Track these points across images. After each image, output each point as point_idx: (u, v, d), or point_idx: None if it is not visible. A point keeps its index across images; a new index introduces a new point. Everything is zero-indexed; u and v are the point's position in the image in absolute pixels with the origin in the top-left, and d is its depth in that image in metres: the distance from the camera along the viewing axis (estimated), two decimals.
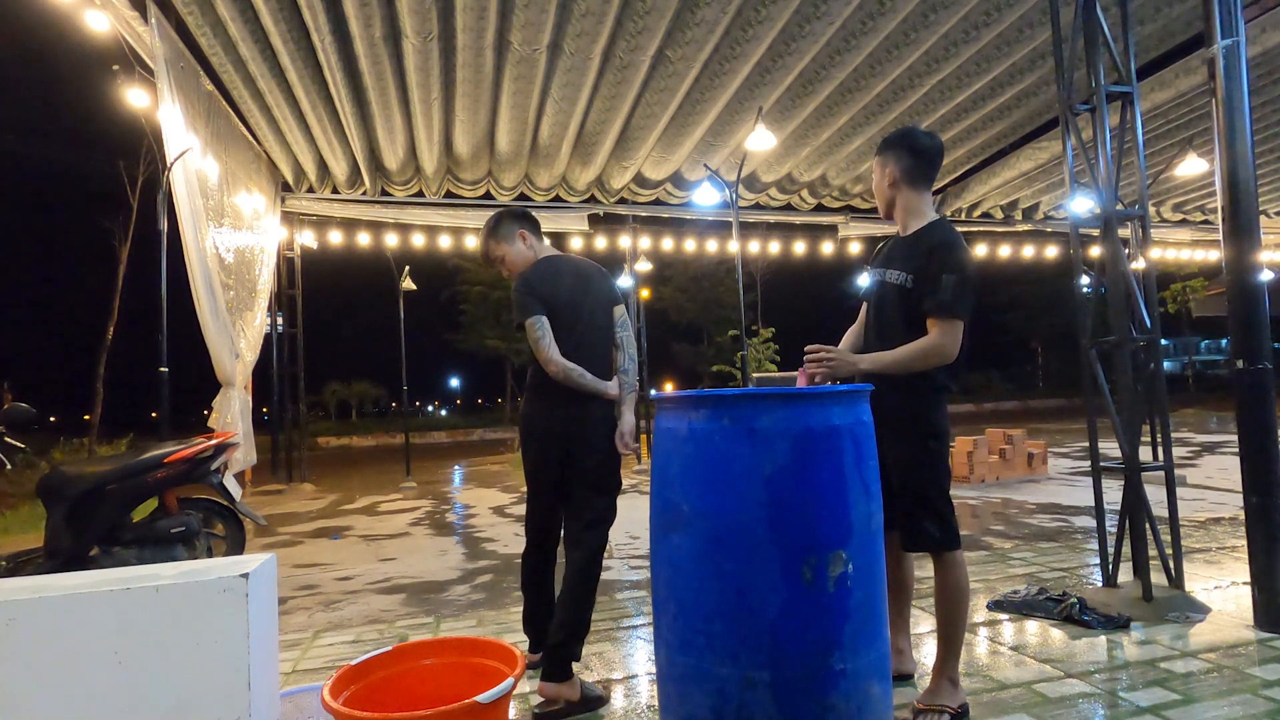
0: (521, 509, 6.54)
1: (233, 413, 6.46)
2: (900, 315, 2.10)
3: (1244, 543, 2.78)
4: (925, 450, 2.06)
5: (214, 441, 3.79)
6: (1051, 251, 13.14)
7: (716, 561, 1.54)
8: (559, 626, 2.21)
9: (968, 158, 8.98)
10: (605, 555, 2.36)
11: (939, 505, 2.05)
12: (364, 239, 10.26)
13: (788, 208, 10.22)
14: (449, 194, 9.12)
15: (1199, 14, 3.14)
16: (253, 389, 8.03)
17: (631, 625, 3.06)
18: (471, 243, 10.51)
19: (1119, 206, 3.20)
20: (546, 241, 2.61)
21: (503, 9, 5.55)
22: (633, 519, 6.41)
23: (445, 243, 10.41)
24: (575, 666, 2.24)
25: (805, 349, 2.05)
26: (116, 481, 3.46)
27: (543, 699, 2.18)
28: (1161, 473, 3.08)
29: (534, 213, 2.66)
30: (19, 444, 3.47)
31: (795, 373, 2.00)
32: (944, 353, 2.01)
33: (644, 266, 11.97)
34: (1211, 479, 6.94)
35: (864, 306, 2.36)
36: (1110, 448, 3.69)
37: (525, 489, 2.49)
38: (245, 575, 1.40)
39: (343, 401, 39.69)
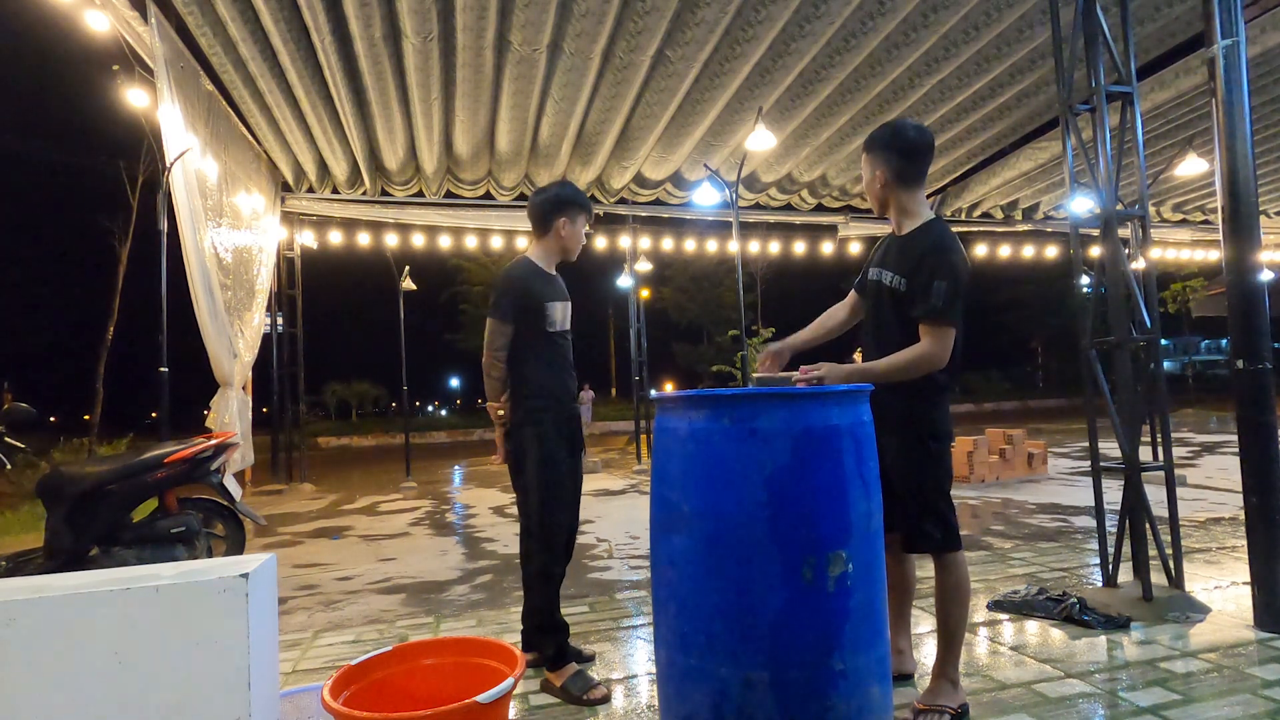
0: None
1: (231, 413, 6.47)
2: (895, 317, 2.10)
3: (1244, 543, 2.78)
4: (925, 451, 2.05)
5: (214, 442, 3.79)
6: (1051, 251, 13.15)
7: (716, 561, 1.54)
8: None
9: (968, 158, 8.98)
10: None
11: (940, 507, 2.05)
12: (364, 239, 10.26)
13: (788, 208, 10.22)
14: (449, 194, 9.12)
15: (1199, 14, 3.13)
16: (252, 389, 8.03)
17: (631, 625, 3.06)
18: (472, 243, 10.51)
19: (1119, 206, 3.19)
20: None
21: (503, 9, 5.55)
22: (632, 519, 6.43)
23: (445, 243, 10.40)
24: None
25: (800, 369, 2.01)
26: (116, 481, 3.46)
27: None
28: (1161, 473, 3.07)
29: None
30: (19, 444, 3.47)
31: (794, 373, 1.99)
32: (935, 360, 1.99)
33: (644, 266, 11.95)
34: (1211, 479, 6.94)
35: (852, 294, 2.39)
36: (1110, 448, 3.69)
37: None
38: (245, 575, 1.40)
39: (343, 401, 39.69)
